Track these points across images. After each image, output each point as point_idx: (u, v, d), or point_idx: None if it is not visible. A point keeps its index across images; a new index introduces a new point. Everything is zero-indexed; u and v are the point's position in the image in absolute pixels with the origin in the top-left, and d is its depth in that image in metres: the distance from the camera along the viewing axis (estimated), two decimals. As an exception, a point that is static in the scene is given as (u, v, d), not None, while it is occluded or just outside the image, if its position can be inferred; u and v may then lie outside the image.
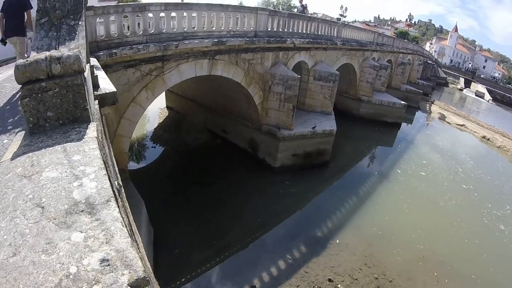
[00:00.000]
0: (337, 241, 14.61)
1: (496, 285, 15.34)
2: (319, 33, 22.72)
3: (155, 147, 21.34)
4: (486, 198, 24.25)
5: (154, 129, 23.72)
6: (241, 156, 19.87)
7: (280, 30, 18.42)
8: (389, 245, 15.49)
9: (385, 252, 14.95)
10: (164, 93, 22.26)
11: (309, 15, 28.56)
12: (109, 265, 1.97)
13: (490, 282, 15.34)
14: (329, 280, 12.31)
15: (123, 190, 4.49)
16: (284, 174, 18.71)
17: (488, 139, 41.53)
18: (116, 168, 5.39)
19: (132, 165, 18.33)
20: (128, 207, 4.55)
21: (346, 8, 50.33)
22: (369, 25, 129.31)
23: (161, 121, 24.81)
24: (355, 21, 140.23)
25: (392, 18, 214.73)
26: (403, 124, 36.24)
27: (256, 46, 16.56)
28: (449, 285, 14.16)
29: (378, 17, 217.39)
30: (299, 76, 18.17)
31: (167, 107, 26.35)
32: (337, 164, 22.23)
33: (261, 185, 17.92)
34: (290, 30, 19.37)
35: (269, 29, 17.42)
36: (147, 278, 1.93)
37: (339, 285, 12.21)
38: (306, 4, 25.34)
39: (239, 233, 14.14)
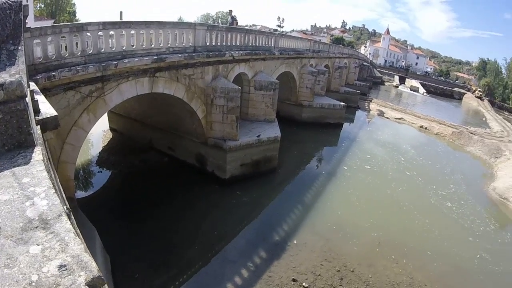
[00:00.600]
0: (295, 242, 15.16)
1: (451, 256, 17.06)
2: (257, 45, 23.52)
3: (101, 171, 20.44)
4: (430, 181, 26.63)
5: (99, 153, 22.62)
6: (190, 172, 19.71)
7: (219, 44, 18.85)
8: (345, 237, 16.41)
9: (343, 244, 15.83)
10: (106, 114, 21.57)
11: (241, 26, 29.47)
12: (66, 269, 2.24)
13: (444, 255, 16.98)
14: (293, 280, 12.81)
15: (72, 217, 4.46)
16: (234, 184, 18.92)
17: (426, 128, 45.53)
18: (64, 195, 5.49)
19: (80, 193, 17.51)
20: (80, 235, 4.61)
21: (283, 19, 52.28)
22: (306, 34, 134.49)
23: (105, 144, 23.94)
24: (292, 31, 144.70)
25: (328, 25, 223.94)
26: (345, 124, 38.42)
27: (196, 61, 16.69)
28: (407, 264, 15.38)
29: (315, 25, 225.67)
30: (239, 88, 18.71)
31: (111, 129, 25.43)
32: (286, 168, 23.00)
33: (213, 198, 17.86)
34: (229, 43, 19.85)
35: (208, 44, 17.71)
36: (102, 278, 2.27)
37: (303, 283, 12.73)
38: (235, 16, 25.99)
39: (199, 249, 14.03)
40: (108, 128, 25.54)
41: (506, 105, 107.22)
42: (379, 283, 13.81)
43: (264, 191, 19.36)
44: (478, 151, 40.52)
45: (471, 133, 46.29)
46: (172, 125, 20.17)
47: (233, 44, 20.32)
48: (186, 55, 15.77)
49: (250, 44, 22.39)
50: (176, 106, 17.44)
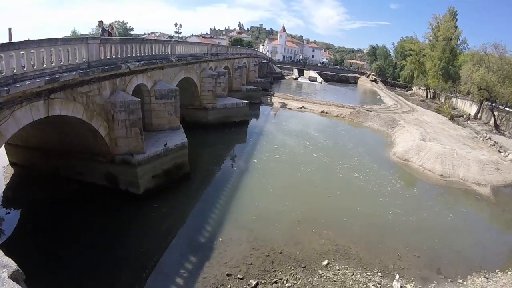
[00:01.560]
0: (220, 239, 15.89)
1: (366, 217, 19.89)
2: (154, 53, 23.58)
3: (9, 213, 18.03)
4: (336, 158, 29.96)
5: (3, 192, 19.93)
6: (104, 194, 18.45)
7: (114, 56, 18.40)
8: (267, 224, 17.74)
9: (267, 231, 17.10)
10: (3, 148, 18.73)
11: (138, 35, 29.13)
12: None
13: (360, 218, 19.70)
14: (228, 275, 13.54)
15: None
16: (150, 197, 18.59)
17: (326, 112, 50.46)
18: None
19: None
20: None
21: (180, 25, 52.05)
22: (205, 37, 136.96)
23: (8, 181, 21.14)
24: (192, 35, 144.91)
25: (226, 28, 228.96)
26: (251, 120, 40.76)
27: (91, 77, 15.99)
28: (329, 234, 17.40)
29: (214, 28, 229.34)
30: (139, 99, 18.61)
31: (11, 163, 22.30)
32: (200, 172, 23.64)
33: (132, 216, 17.26)
34: (124, 55, 19.47)
35: (102, 58, 17.17)
36: (21, 271, 2.89)
37: (238, 276, 13.56)
38: (106, 26, 23.95)
39: (129, 271, 13.58)
40: (8, 163, 22.51)
41: (397, 82, 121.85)
42: (307, 256, 15.41)
43: (181, 199, 19.68)
44: (376, 125, 46.41)
45: (368, 110, 52.45)
46: (76, 148, 18.97)
47: (129, 55, 20.04)
48: (81, 72, 14.96)
49: (146, 54, 22.34)
50: (77, 127, 16.67)
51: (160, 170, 19.82)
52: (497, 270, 16.60)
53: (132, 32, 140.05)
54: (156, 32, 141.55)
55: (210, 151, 28.47)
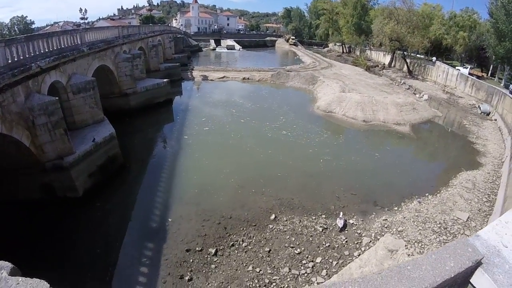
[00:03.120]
0: (170, 220, 16.47)
1: (301, 169, 21.98)
2: (63, 46, 22.44)
3: None
4: (263, 120, 31.83)
5: None
6: (43, 207, 17.02)
7: (22, 57, 17.20)
8: (211, 194, 18.77)
9: (212, 201, 18.12)
10: None
11: (41, 28, 27.43)
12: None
13: (295, 170, 21.70)
14: (187, 250, 14.30)
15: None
16: (92, 197, 18.20)
17: (248, 78, 52.46)
18: None
19: None
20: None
21: (86, 10, 49.42)
22: (114, 20, 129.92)
23: None
24: (99, 19, 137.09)
25: (135, 6, 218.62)
26: (176, 98, 41.45)
27: (2, 85, 14.82)
28: (270, 191, 19.04)
29: (122, 8, 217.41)
30: (56, 98, 17.80)
31: None
32: (135, 160, 23.67)
33: (77, 220, 16.43)
34: (33, 54, 18.37)
35: (9, 61, 16.01)
36: (17, 268, 3.40)
37: (196, 248, 14.38)
38: None
39: (92, 274, 13.37)
40: None
41: (313, 41, 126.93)
42: (256, 215, 16.88)
43: (122, 191, 19.75)
44: (297, 84, 49.53)
45: (288, 71, 55.34)
46: (2, 166, 17.25)
47: (37, 53, 18.94)
48: None
49: (56, 48, 21.29)
50: None
51: (95, 167, 19.52)
52: (427, 194, 19.33)
53: (33, 26, 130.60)
54: (60, 22, 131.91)
55: (140, 137, 28.41)
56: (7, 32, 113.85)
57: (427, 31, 58.52)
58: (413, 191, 19.63)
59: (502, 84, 44.86)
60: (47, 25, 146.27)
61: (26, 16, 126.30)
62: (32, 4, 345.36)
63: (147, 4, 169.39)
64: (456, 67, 53.09)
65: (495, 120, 35.45)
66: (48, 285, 3.06)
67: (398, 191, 19.77)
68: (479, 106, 39.78)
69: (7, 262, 3.49)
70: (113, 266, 13.97)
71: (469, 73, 49.48)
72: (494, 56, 46.76)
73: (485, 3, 44.71)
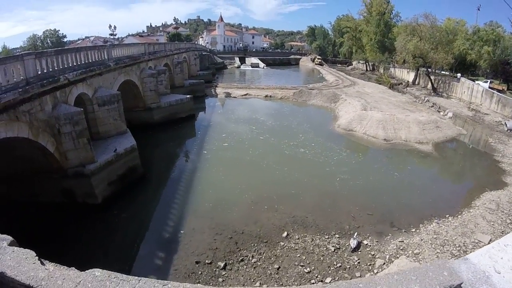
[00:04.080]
0: (184, 232, 16.67)
1: (316, 188, 21.73)
2: (91, 61, 23.59)
3: None
4: (282, 137, 31.83)
5: None
6: (64, 211, 17.65)
7: (51, 69, 18.33)
8: (225, 209, 18.81)
9: (225, 216, 18.16)
10: None
11: (73, 42, 28.79)
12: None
13: (310, 189, 21.42)
14: (197, 262, 14.42)
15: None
16: (110, 205, 18.61)
17: (271, 96, 52.89)
18: None
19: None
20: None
21: (115, 27, 51.76)
22: (142, 36, 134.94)
23: None
24: (128, 35, 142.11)
25: (163, 23, 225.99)
26: (198, 114, 41.97)
27: (31, 94, 15.85)
28: (284, 208, 18.87)
29: (150, 25, 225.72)
30: (81, 109, 18.72)
31: None
32: (155, 173, 24.22)
33: (94, 227, 16.88)
34: (61, 67, 19.44)
35: (39, 72, 17.12)
36: (15, 241, 3.85)
37: (206, 261, 14.47)
38: None
39: None
40: None
41: (337, 59, 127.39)
42: (268, 231, 16.74)
43: (140, 201, 20.02)
44: (319, 102, 49.51)
45: (310, 89, 55.48)
46: (27, 169, 18.14)
47: (66, 66, 20.02)
48: (20, 90, 14.94)
49: (83, 62, 22.34)
50: (24, 147, 16.35)
51: (115, 176, 20.11)
52: (447, 215, 18.61)
53: (65, 40, 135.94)
54: (91, 36, 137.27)
55: (161, 150, 29.07)
56: (40, 44, 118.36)
57: (450, 46, 57.48)
58: (432, 212, 18.95)
59: None
60: (78, 39, 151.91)
61: (59, 30, 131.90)
62: (64, 17, 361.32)
63: (174, 22, 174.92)
64: (476, 82, 52.03)
65: None
66: (34, 253, 3.53)
67: (416, 212, 19.13)
68: (505, 123, 38.55)
69: (8, 235, 3.90)
70: (123, 273, 14.12)
71: (489, 87, 48.56)
72: None
73: (509, 16, 44.04)
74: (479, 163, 29.44)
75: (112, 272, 3.80)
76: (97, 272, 3.77)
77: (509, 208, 19.45)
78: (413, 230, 17.25)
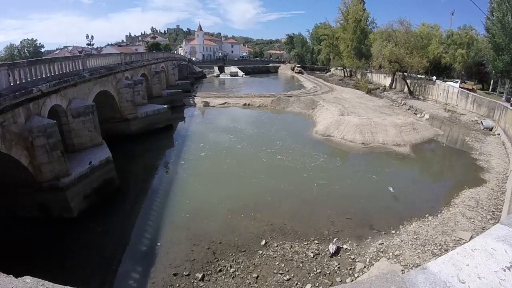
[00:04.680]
0: (161, 244, 16.49)
1: (294, 194, 21.78)
2: (65, 71, 23.29)
3: None
4: (260, 145, 32.06)
5: None
6: (41, 226, 17.34)
7: (24, 81, 18.05)
8: (202, 219, 18.68)
9: (202, 226, 18.01)
10: None
11: (51, 51, 28.42)
12: None
13: (288, 196, 21.52)
14: (174, 274, 14.22)
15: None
16: (86, 219, 18.34)
17: (249, 104, 53.38)
18: None
19: None
20: None
21: (92, 36, 51.91)
22: (121, 46, 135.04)
23: None
24: (107, 45, 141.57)
25: (143, 33, 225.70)
26: (176, 123, 41.83)
27: (4, 106, 15.49)
28: (262, 216, 18.83)
29: (130, 35, 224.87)
30: (55, 121, 18.25)
31: None
32: (132, 184, 23.90)
33: (70, 241, 16.54)
34: (34, 78, 19.20)
35: (12, 84, 16.85)
36: None
37: (184, 273, 14.28)
38: None
39: None
40: None
41: (316, 66, 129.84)
42: (246, 240, 16.61)
43: (116, 214, 19.74)
44: (297, 108, 50.15)
45: (288, 96, 56.41)
46: (2, 183, 17.86)
47: (39, 77, 19.75)
48: None
49: (57, 73, 22.09)
50: None
51: (90, 189, 19.81)
52: (427, 215, 18.89)
53: (43, 49, 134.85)
54: (69, 46, 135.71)
55: (138, 162, 28.89)
56: (17, 54, 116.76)
57: (425, 51, 59.60)
58: (412, 213, 19.22)
59: (503, 98, 45.38)
60: (57, 49, 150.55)
61: (36, 40, 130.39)
62: (43, 27, 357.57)
63: (151, 32, 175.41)
64: (447, 82, 54.22)
65: (498, 134, 35.53)
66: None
67: (396, 214, 19.40)
68: (481, 122, 39.99)
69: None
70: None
71: (460, 87, 50.54)
72: (493, 71, 47.31)
73: (482, 20, 45.68)
74: (457, 162, 30.17)
75: (41, 280, 3.75)
76: (28, 279, 3.73)
77: (489, 204, 20.02)
78: (393, 231, 17.43)
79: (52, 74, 21.50)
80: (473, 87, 54.21)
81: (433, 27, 63.40)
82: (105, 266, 15.20)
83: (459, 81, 55.24)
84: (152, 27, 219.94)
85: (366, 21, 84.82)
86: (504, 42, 39.55)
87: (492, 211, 19.05)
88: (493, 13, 40.76)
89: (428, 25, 63.88)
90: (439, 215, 18.97)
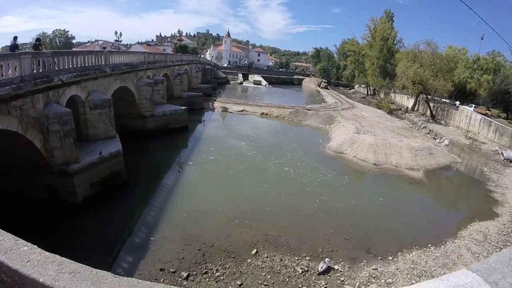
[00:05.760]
0: (155, 239, 16.91)
1: (294, 207, 21.58)
2: (88, 65, 24.38)
3: None
4: (269, 155, 32.16)
5: None
6: (47, 207, 18.03)
7: (46, 70, 19.14)
8: (199, 221, 18.99)
9: (198, 227, 18.34)
10: None
11: (80, 43, 29.75)
12: None
13: (288, 208, 21.35)
14: (161, 269, 14.61)
15: None
16: (89, 206, 18.97)
17: (267, 114, 53.74)
18: None
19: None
20: None
21: (120, 33, 54.15)
22: (150, 45, 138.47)
23: None
24: (136, 43, 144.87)
25: (173, 34, 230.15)
26: (192, 125, 42.35)
27: (24, 91, 16.66)
28: (259, 225, 18.87)
29: (160, 35, 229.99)
30: (71, 110, 19.44)
31: None
32: (139, 179, 24.53)
33: (70, 226, 17.10)
34: (57, 68, 20.32)
35: (35, 71, 17.88)
36: None
37: (170, 269, 14.66)
38: (17, 43, 25.31)
39: None
40: None
41: (340, 82, 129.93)
42: (237, 247, 16.70)
43: (118, 205, 20.35)
44: (314, 122, 50.14)
45: (307, 109, 56.41)
46: (15, 162, 19.04)
47: (61, 68, 20.84)
48: (14, 86, 15.81)
49: (79, 65, 23.12)
50: (13, 140, 17.01)
51: (97, 178, 20.57)
52: (429, 245, 18.18)
53: (74, 41, 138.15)
54: (100, 40, 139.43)
55: (149, 158, 29.58)
56: (49, 42, 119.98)
57: (451, 74, 58.91)
58: (414, 241, 18.52)
59: None
60: (88, 41, 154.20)
61: (68, 31, 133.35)
62: (76, 19, 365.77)
63: (178, 34, 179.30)
64: (462, 107, 53.99)
65: None
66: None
67: (397, 240, 18.82)
68: (502, 152, 39.17)
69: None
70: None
71: (474, 111, 50.35)
72: None
73: (510, 45, 44.83)
74: (471, 192, 29.45)
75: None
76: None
77: (497, 240, 19.18)
78: (390, 258, 16.93)
79: (74, 66, 22.53)
80: (486, 111, 53.70)
81: (460, 51, 62.42)
82: (96, 252, 15.67)
83: (473, 106, 54.70)
84: (179, 29, 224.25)
85: (394, 40, 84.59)
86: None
87: (500, 247, 18.09)
88: (521, 39, 39.99)
89: (455, 48, 63.01)
90: (442, 246, 18.32)
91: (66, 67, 21.47)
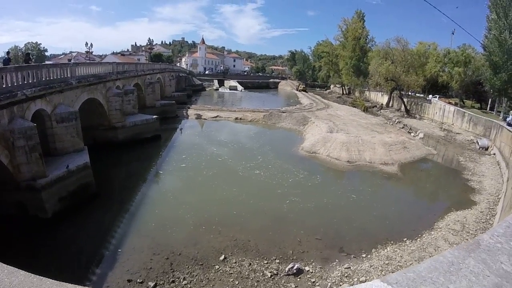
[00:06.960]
0: (123, 250, 16.97)
1: (264, 210, 21.60)
2: (53, 78, 24.39)
3: None
4: (241, 159, 32.34)
5: None
6: (18, 223, 18.14)
7: (10, 85, 19.23)
8: (167, 229, 19.06)
9: (166, 236, 18.38)
10: None
11: (55, 55, 29.88)
12: None
13: (258, 211, 21.39)
14: (128, 280, 14.66)
15: None
16: (59, 221, 18.73)
17: (241, 118, 54.25)
18: None
19: None
20: None
21: (91, 44, 54.59)
22: (124, 55, 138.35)
23: None
24: (111, 53, 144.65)
25: (148, 43, 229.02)
26: (166, 134, 42.42)
27: None
28: (228, 231, 18.88)
29: (135, 44, 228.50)
30: (35, 125, 19.40)
31: None
32: (109, 191, 24.40)
33: (42, 240, 17.26)
34: (21, 83, 20.37)
35: None
36: None
37: (138, 280, 14.71)
38: (29, 54, 26.39)
39: None
40: None
41: (316, 83, 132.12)
42: (205, 254, 16.69)
43: (88, 218, 20.17)
44: (288, 124, 50.89)
45: (282, 112, 57.43)
46: None
47: (25, 82, 20.87)
48: None
49: (44, 79, 23.16)
50: None
51: (66, 192, 20.55)
52: (404, 239, 18.30)
53: (47, 53, 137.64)
54: (74, 52, 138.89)
55: (121, 169, 29.69)
56: (21, 56, 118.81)
57: (422, 69, 60.83)
58: (389, 236, 18.57)
59: (500, 117, 45.74)
60: (62, 53, 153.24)
61: (40, 44, 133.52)
62: (50, 31, 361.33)
63: (148, 43, 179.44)
64: (427, 98, 57.35)
65: (494, 154, 35.65)
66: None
67: (370, 236, 18.68)
68: (477, 141, 40.45)
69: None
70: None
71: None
72: (491, 89, 47.17)
73: (481, 38, 46.21)
74: (447, 183, 29.91)
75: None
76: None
77: (476, 228, 19.37)
78: (364, 255, 16.88)
79: (39, 79, 22.59)
80: (451, 101, 56.18)
81: (431, 46, 64.34)
82: (65, 265, 15.62)
83: (438, 96, 57.66)
84: (149, 38, 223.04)
85: (365, 39, 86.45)
86: (501, 60, 39.35)
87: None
88: (490, 31, 40.62)
89: (426, 43, 64.92)
90: (418, 239, 18.36)
91: (30, 81, 21.55)
